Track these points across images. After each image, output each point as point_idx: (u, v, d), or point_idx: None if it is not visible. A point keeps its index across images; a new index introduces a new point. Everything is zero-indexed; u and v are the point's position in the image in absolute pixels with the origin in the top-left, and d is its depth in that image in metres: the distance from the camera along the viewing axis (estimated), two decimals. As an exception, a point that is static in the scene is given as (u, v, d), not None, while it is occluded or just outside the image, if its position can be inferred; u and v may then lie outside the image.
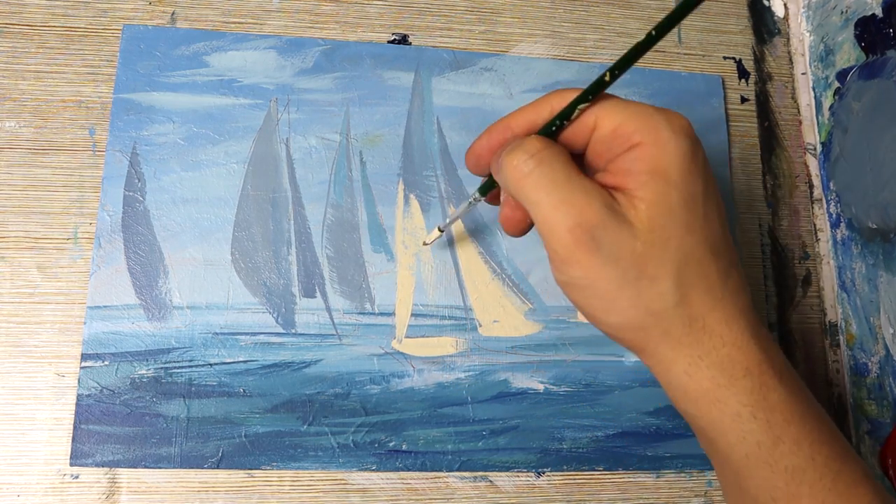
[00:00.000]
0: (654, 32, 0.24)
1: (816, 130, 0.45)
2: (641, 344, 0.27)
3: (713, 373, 0.26)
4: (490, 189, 0.30)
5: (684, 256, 0.25)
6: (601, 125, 0.26)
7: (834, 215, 0.43)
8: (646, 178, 0.25)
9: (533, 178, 0.25)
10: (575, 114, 0.26)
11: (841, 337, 0.42)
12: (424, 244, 0.39)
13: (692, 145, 0.25)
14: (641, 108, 0.26)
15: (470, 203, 0.32)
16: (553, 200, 0.25)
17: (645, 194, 0.25)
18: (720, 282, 0.26)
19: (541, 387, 0.38)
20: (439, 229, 0.37)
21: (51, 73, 0.38)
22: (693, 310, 0.26)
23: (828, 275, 0.43)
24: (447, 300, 0.38)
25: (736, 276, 0.27)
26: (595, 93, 0.26)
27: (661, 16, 0.45)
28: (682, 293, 0.25)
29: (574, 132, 0.27)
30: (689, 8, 0.24)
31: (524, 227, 0.29)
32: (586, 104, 0.26)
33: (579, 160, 0.28)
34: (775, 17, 0.46)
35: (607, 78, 0.26)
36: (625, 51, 0.26)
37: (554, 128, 0.27)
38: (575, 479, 0.38)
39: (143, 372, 0.35)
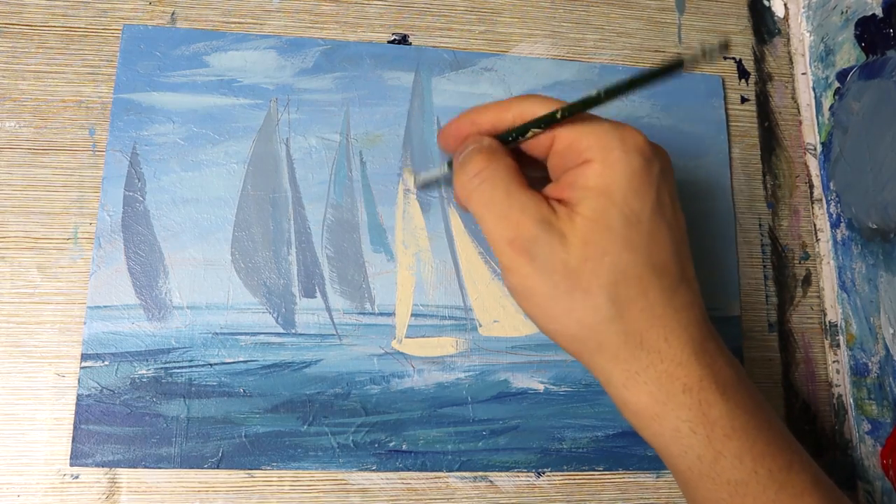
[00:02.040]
0: (602, 94, 0.26)
1: (816, 130, 0.45)
2: (579, 354, 0.28)
3: (651, 388, 0.26)
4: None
5: (622, 273, 0.26)
6: (559, 139, 0.28)
7: (834, 215, 0.43)
8: (587, 194, 0.26)
9: (476, 194, 0.27)
10: (529, 134, 0.28)
11: (841, 337, 0.42)
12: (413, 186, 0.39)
13: (643, 163, 0.26)
14: (597, 125, 0.27)
15: (442, 172, 0.35)
16: (493, 216, 0.27)
17: (583, 210, 0.26)
18: (662, 299, 0.26)
19: (541, 387, 0.38)
20: (415, 175, 0.39)
21: (51, 73, 0.38)
22: (629, 326, 0.26)
23: (828, 275, 0.43)
24: (447, 300, 0.38)
25: (684, 292, 0.27)
26: (547, 125, 0.28)
27: (661, 16, 0.45)
28: (617, 309, 0.26)
29: (536, 142, 0.29)
30: (650, 78, 0.25)
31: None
32: (539, 130, 0.28)
33: (543, 166, 0.29)
34: (775, 17, 0.46)
35: (559, 115, 0.27)
36: (626, 80, 0.27)
37: (510, 138, 0.29)
38: (575, 479, 0.38)
39: (143, 372, 0.35)
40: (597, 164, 0.26)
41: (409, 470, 0.36)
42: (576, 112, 0.27)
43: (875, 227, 0.39)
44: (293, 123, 0.39)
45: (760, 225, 0.43)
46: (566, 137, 0.27)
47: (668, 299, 0.26)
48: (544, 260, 0.26)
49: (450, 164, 0.33)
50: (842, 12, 0.42)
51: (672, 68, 0.24)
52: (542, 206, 0.27)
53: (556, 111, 0.27)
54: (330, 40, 0.41)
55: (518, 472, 0.37)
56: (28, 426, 0.34)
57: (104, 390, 0.35)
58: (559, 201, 0.27)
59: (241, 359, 0.36)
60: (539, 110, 0.28)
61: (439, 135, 0.32)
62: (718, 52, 0.22)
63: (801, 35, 0.46)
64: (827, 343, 0.42)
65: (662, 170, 0.27)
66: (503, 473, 0.37)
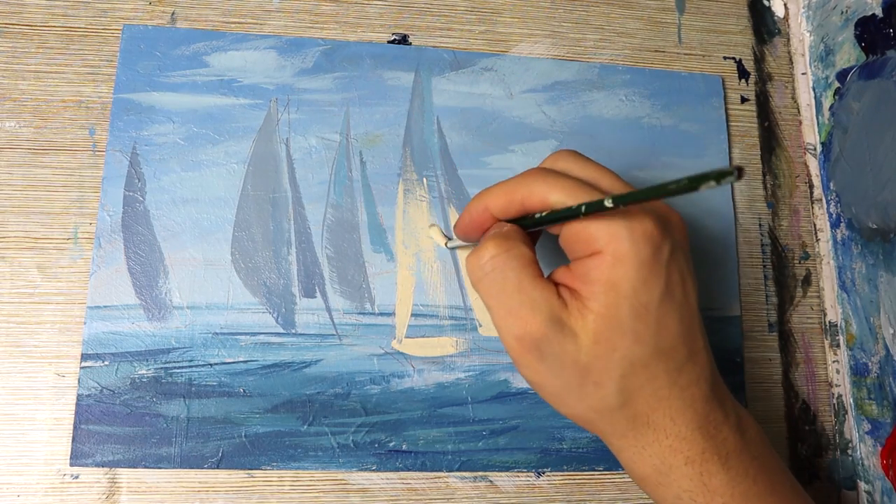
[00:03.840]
0: (610, 203, 0.25)
1: (816, 130, 0.45)
2: (591, 431, 0.29)
3: (655, 461, 0.27)
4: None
5: (630, 364, 0.26)
6: (568, 225, 0.27)
7: (834, 215, 0.43)
8: (598, 289, 0.26)
9: (486, 283, 0.27)
10: (545, 224, 0.28)
11: (841, 337, 0.42)
12: (435, 238, 0.39)
13: (652, 251, 0.26)
14: (606, 213, 0.26)
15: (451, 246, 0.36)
16: (501, 309, 0.27)
17: (595, 306, 0.26)
18: (668, 381, 0.27)
19: (541, 387, 0.38)
20: (445, 238, 0.38)
21: (51, 73, 0.38)
22: (636, 409, 0.27)
23: (828, 275, 0.43)
24: (447, 300, 0.38)
25: (690, 369, 0.27)
26: (560, 220, 0.27)
27: (661, 16, 0.45)
28: (625, 397, 0.27)
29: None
30: (663, 193, 0.23)
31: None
32: (551, 224, 0.27)
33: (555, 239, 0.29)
34: (775, 17, 0.46)
35: (583, 211, 0.26)
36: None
37: (527, 226, 0.28)
38: (575, 479, 0.38)
39: (143, 372, 0.35)
40: (607, 257, 0.26)
41: (409, 470, 0.36)
42: (596, 211, 0.26)
43: (875, 227, 0.39)
44: (293, 123, 0.39)
45: (760, 225, 0.43)
46: (575, 224, 0.27)
47: (674, 380, 0.27)
48: (554, 359, 0.26)
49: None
50: (842, 12, 0.42)
51: (691, 186, 0.22)
52: (552, 301, 0.26)
53: (581, 206, 0.26)
54: (330, 40, 0.41)
55: (518, 472, 0.37)
56: (28, 426, 0.34)
57: (104, 390, 0.35)
58: (570, 290, 0.27)
59: (241, 359, 0.36)
60: (545, 191, 0.27)
61: (456, 227, 0.31)
62: (736, 178, 0.21)
63: (801, 35, 0.46)
64: (827, 343, 0.42)
65: (673, 249, 0.27)
66: (503, 473, 0.37)
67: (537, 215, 0.28)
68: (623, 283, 0.26)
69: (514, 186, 0.28)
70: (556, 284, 0.27)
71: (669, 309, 0.27)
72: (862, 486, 0.40)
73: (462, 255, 0.39)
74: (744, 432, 0.28)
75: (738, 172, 0.21)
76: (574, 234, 0.27)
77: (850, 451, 0.41)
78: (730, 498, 0.27)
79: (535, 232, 0.31)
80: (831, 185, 0.43)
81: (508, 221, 0.29)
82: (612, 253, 0.26)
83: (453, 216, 0.39)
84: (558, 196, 0.27)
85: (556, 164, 0.29)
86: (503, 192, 0.28)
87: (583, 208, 0.26)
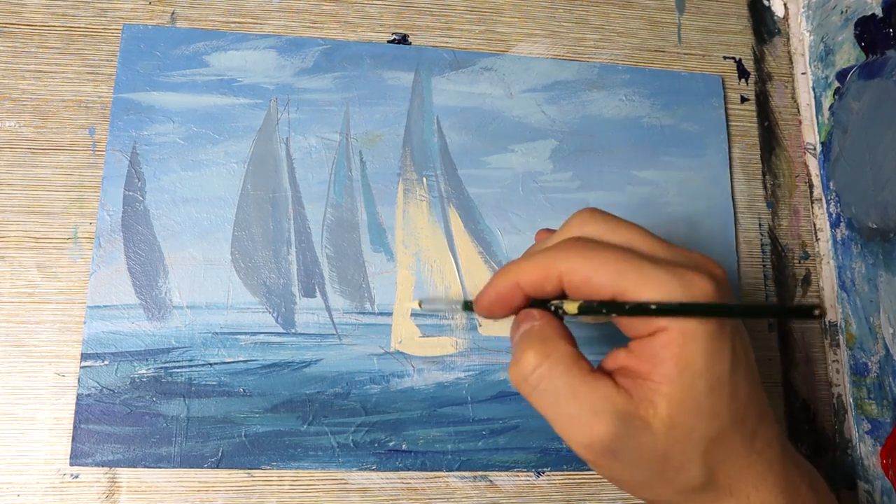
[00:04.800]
0: (663, 308, 0.23)
1: (816, 130, 0.45)
2: None
3: None
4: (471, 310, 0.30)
5: (710, 441, 0.25)
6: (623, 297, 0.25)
7: (834, 215, 0.43)
8: (671, 370, 0.24)
9: (536, 397, 0.25)
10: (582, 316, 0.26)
11: (841, 337, 0.42)
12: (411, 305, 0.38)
13: (717, 327, 0.24)
14: (662, 283, 0.24)
15: (453, 309, 0.34)
16: (562, 420, 0.25)
17: (669, 391, 0.24)
18: (746, 448, 0.26)
19: (541, 386, 0.38)
20: (419, 304, 0.34)
21: (51, 73, 0.38)
22: (720, 483, 0.26)
23: (827, 274, 0.43)
24: (447, 300, 0.38)
25: (763, 430, 0.26)
26: (609, 314, 0.25)
27: (661, 16, 0.45)
28: (708, 475, 0.25)
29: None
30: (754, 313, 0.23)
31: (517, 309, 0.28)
32: (596, 315, 0.25)
33: None
34: (775, 17, 0.46)
35: (626, 308, 0.24)
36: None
37: (561, 315, 0.26)
38: (575, 478, 0.38)
39: (143, 371, 0.35)
40: (674, 335, 0.24)
41: (408, 469, 0.36)
42: (642, 313, 0.24)
43: (875, 226, 0.39)
44: (293, 123, 0.39)
45: (760, 225, 0.43)
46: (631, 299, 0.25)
47: (751, 446, 0.26)
48: (629, 455, 0.25)
49: (466, 305, 0.30)
50: (841, 12, 0.42)
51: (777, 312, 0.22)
52: (613, 398, 0.24)
53: (623, 305, 0.24)
54: (330, 40, 0.41)
55: (518, 471, 0.37)
56: (28, 426, 0.34)
57: (104, 390, 0.35)
58: (633, 375, 0.25)
59: (241, 358, 0.36)
60: (588, 271, 0.25)
61: (479, 303, 0.28)
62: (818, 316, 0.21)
63: (801, 35, 0.46)
64: (827, 343, 0.42)
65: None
66: (503, 473, 0.37)
67: (579, 303, 0.26)
68: (697, 360, 0.24)
69: (550, 261, 0.26)
70: (611, 372, 0.26)
71: (738, 375, 0.25)
72: (861, 485, 0.40)
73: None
74: (817, 490, 0.28)
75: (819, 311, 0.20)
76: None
77: (849, 451, 0.41)
78: None
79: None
80: (831, 184, 0.43)
81: (537, 303, 0.27)
82: (680, 330, 0.24)
83: (453, 216, 0.39)
84: (604, 277, 0.24)
85: (583, 229, 0.27)
86: (537, 267, 0.26)
87: (653, 306, 0.24)
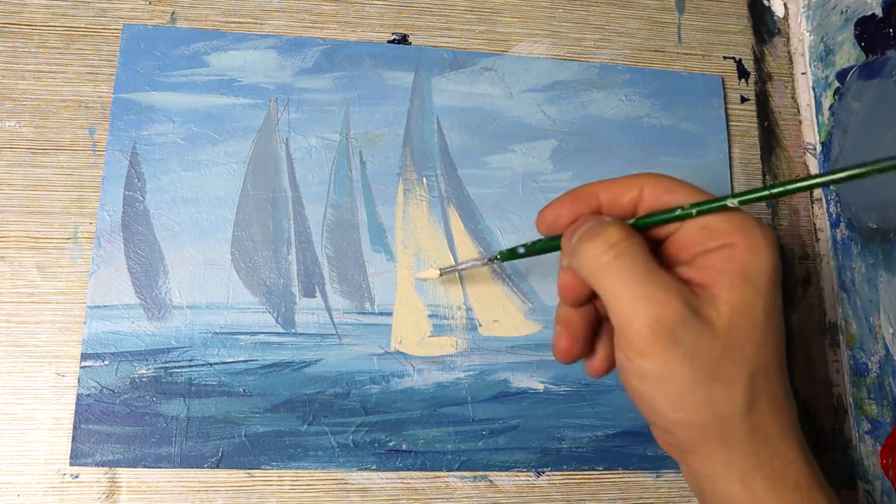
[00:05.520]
0: (735, 203, 0.25)
1: (816, 130, 0.45)
2: (696, 445, 0.26)
3: (766, 484, 0.26)
4: (514, 257, 0.31)
5: (757, 365, 0.25)
6: (691, 221, 0.26)
7: (834, 215, 0.43)
8: (736, 281, 0.25)
9: (612, 269, 0.25)
10: (674, 224, 0.26)
11: (841, 337, 0.42)
12: (417, 278, 0.38)
13: (778, 258, 0.26)
14: (731, 211, 0.26)
15: (484, 263, 0.33)
16: (632, 294, 0.25)
17: (731, 297, 0.25)
18: (782, 394, 0.26)
19: (541, 386, 0.38)
20: (440, 271, 0.36)
21: (51, 73, 0.38)
22: (758, 420, 0.26)
23: (827, 274, 0.43)
24: (447, 300, 0.38)
25: (789, 390, 0.27)
26: (705, 212, 0.26)
27: (661, 16, 0.45)
28: (750, 402, 0.25)
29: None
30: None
31: (583, 299, 0.28)
32: (690, 217, 0.26)
33: (657, 247, 0.27)
34: (775, 17, 0.46)
35: (729, 204, 0.25)
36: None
37: (642, 224, 0.27)
38: (575, 478, 0.38)
39: (143, 372, 0.35)
40: (743, 250, 0.25)
41: (408, 469, 0.36)
42: (751, 199, 0.26)
43: (875, 226, 0.39)
44: (293, 123, 0.39)
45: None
46: (701, 220, 0.26)
47: (786, 396, 0.26)
48: (690, 345, 0.24)
49: (504, 255, 0.31)
50: (841, 12, 0.42)
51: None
52: (684, 288, 0.25)
53: (727, 198, 0.26)
54: (330, 40, 0.41)
55: (518, 471, 0.37)
56: (28, 426, 0.34)
57: (104, 390, 0.35)
58: (696, 284, 0.25)
59: (241, 358, 0.36)
60: (667, 185, 0.26)
61: (542, 215, 0.28)
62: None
63: (801, 35, 0.46)
64: (827, 343, 0.42)
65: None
66: (503, 473, 0.37)
67: (638, 217, 0.27)
68: (760, 278, 0.25)
69: (631, 178, 0.27)
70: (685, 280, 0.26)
71: (781, 323, 0.26)
72: (861, 485, 0.40)
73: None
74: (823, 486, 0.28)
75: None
76: (698, 229, 0.26)
77: (849, 451, 0.41)
78: None
79: None
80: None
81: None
82: (749, 247, 0.25)
83: (453, 216, 0.39)
84: (683, 192, 0.26)
85: (638, 177, 0.28)
86: (618, 181, 0.27)
87: (694, 211, 0.25)
